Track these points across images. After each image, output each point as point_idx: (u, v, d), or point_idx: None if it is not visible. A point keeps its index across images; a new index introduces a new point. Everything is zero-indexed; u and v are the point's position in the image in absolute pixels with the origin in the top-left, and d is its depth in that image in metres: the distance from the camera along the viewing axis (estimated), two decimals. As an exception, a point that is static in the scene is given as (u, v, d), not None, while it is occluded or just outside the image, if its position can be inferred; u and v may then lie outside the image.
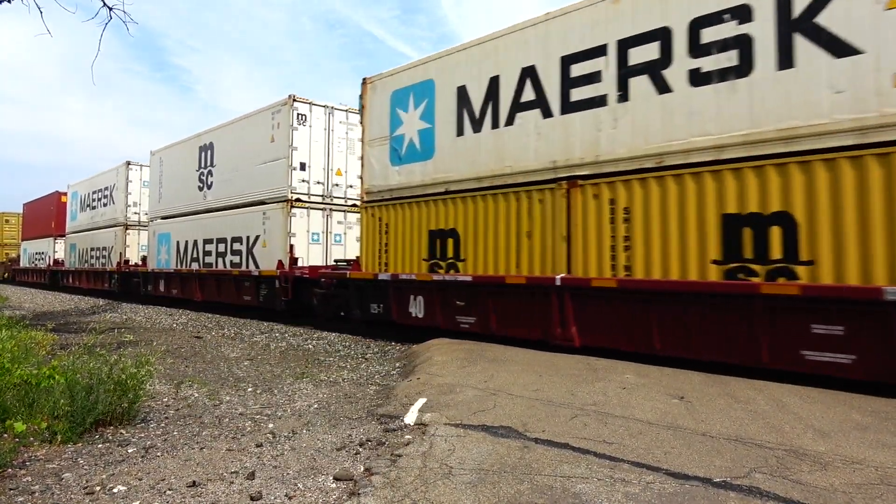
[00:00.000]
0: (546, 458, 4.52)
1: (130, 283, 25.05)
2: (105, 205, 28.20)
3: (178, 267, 20.91)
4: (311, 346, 12.03)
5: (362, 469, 4.51)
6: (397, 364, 9.79)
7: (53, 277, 35.29)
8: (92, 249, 29.18)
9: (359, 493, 3.93)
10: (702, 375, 7.37)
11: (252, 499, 4.01)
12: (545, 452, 4.65)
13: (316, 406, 6.79)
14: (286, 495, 4.07)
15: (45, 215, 37.32)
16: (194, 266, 19.90)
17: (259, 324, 16.21)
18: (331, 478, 4.37)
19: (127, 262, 25.83)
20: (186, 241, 20.53)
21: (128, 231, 26.34)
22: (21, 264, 42.91)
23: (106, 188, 28.23)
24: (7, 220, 52.17)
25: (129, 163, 26.32)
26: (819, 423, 5.39)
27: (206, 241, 19.35)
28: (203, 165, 20.06)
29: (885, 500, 3.75)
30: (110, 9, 11.74)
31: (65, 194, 34.66)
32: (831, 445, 4.77)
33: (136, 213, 26.37)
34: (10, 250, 50.66)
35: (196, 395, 7.36)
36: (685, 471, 4.23)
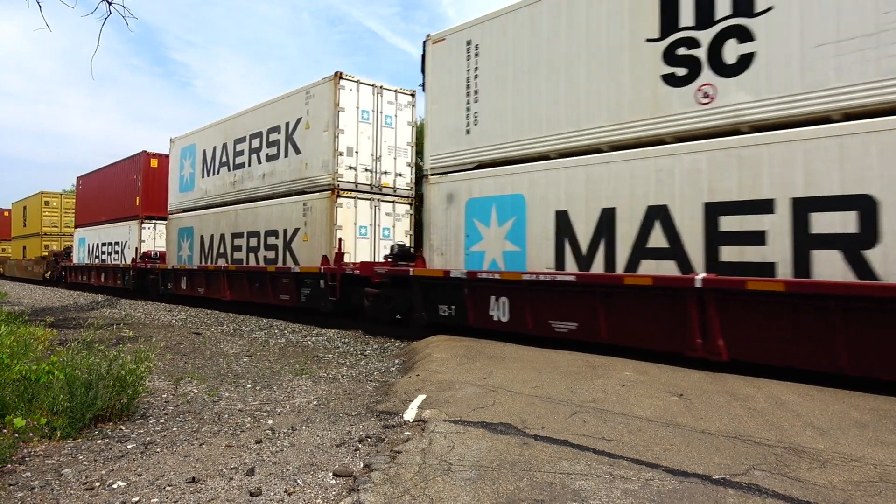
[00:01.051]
0: (545, 454, 4.53)
1: (351, 295, 13.92)
2: (271, 158, 16.69)
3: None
4: (310, 343, 12.04)
5: (361, 465, 4.51)
6: (396, 361, 9.80)
7: (143, 280, 23.50)
8: (236, 236, 17.67)
9: (358, 490, 3.93)
10: (700, 373, 7.37)
11: (252, 495, 4.01)
12: (544, 449, 4.65)
13: (315, 402, 6.80)
14: (286, 491, 4.08)
15: (121, 189, 26.02)
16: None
17: (258, 320, 16.20)
18: (330, 474, 4.38)
19: (341, 255, 14.24)
20: (609, 212, 8.88)
21: (338, 200, 14.69)
22: (75, 259, 31.36)
23: (272, 130, 16.70)
24: (47, 202, 39.64)
25: (339, 75, 14.77)
26: (818, 420, 5.40)
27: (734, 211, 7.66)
28: (680, 24, 8.26)
29: (883, 497, 3.75)
30: (109, 3, 11.70)
31: (157, 156, 24.44)
32: (830, 443, 4.78)
33: (350, 167, 14.97)
34: (52, 241, 39.27)
35: (195, 391, 7.36)
36: (684, 468, 4.24)
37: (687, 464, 4.31)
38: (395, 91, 15.55)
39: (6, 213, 49.75)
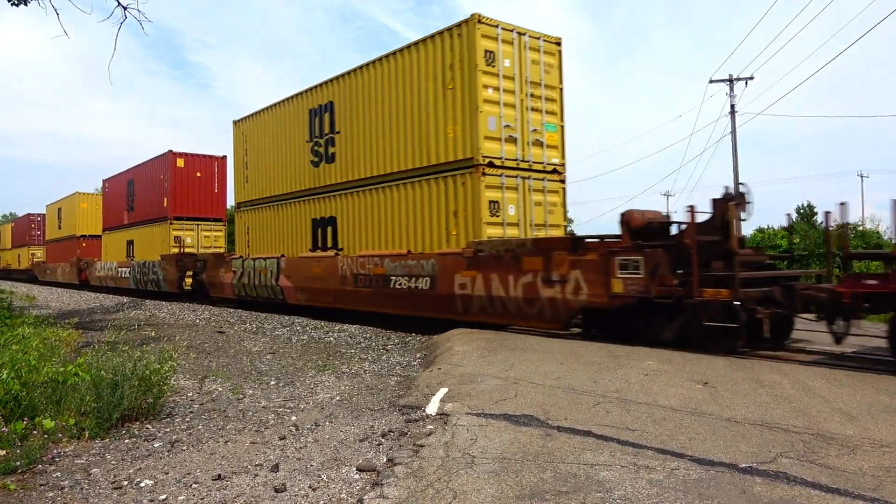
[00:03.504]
0: (569, 445, 4.50)
1: None
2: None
3: None
4: (332, 339, 12.10)
5: (385, 460, 4.52)
6: (418, 355, 9.82)
7: None
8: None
9: (382, 484, 3.94)
10: (725, 360, 7.29)
11: (276, 491, 4.04)
12: (568, 440, 4.62)
13: (338, 398, 6.83)
14: (310, 487, 4.10)
15: None
16: None
17: (280, 317, 16.32)
18: (354, 469, 4.39)
19: None
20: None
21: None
22: None
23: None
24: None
25: None
26: (846, 406, 5.31)
27: None
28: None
29: (916, 483, 3.68)
30: (125, 8, 11.83)
31: None
32: (859, 429, 4.70)
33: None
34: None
35: (220, 389, 7.44)
36: (710, 456, 4.19)
37: (713, 452, 4.26)
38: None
39: (180, 163, 25.23)
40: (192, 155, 25.18)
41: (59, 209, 40.03)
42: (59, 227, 39.90)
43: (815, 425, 4.79)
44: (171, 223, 24.84)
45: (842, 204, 8.00)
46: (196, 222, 25.58)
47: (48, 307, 21.96)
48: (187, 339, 12.06)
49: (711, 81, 31.30)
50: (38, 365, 5.89)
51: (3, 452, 4.66)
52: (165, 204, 25.00)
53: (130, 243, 28.56)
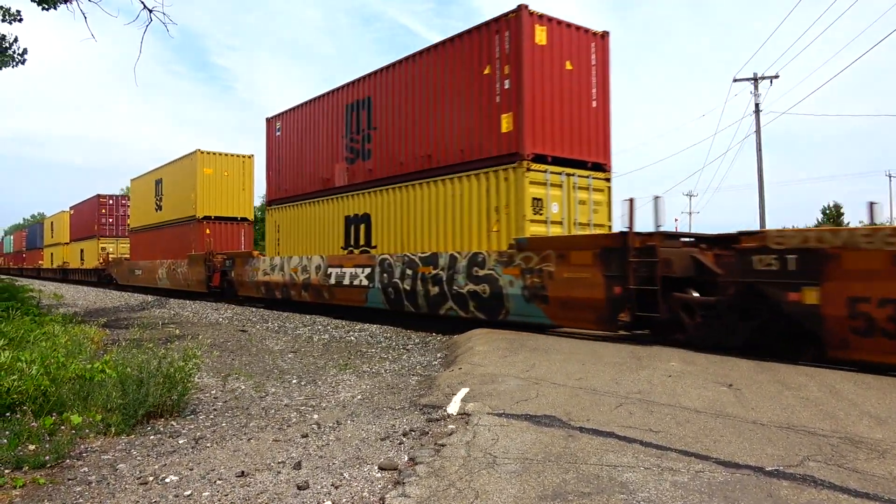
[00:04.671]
0: (591, 446, 4.47)
1: None
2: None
3: None
4: (353, 338, 12.16)
5: (406, 459, 4.53)
6: (438, 354, 9.82)
7: None
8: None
9: (403, 483, 3.95)
10: (750, 363, 7.19)
11: (299, 488, 4.07)
12: (590, 441, 4.59)
13: (359, 397, 6.86)
14: (332, 484, 4.12)
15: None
16: None
17: (302, 317, 16.44)
18: (376, 467, 4.41)
19: None
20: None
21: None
22: None
23: None
24: None
25: None
26: (875, 409, 5.21)
27: None
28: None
29: (948, 488, 3.59)
30: (150, 11, 12.01)
31: None
32: (889, 432, 4.60)
33: None
34: None
35: (243, 387, 7.50)
36: (735, 459, 4.13)
37: (738, 455, 4.21)
38: None
39: (540, 36, 11.26)
40: (557, 22, 11.84)
41: (159, 181, 27.12)
42: (158, 209, 27.35)
43: (842, 428, 4.71)
44: (527, 169, 11.18)
45: (872, 203, 7.89)
46: (568, 171, 11.84)
47: (75, 305, 22.33)
48: (211, 337, 12.20)
49: (735, 80, 30.88)
50: (65, 362, 6.00)
51: (33, 447, 4.75)
52: (507, 127, 11.50)
53: (354, 223, 15.58)
